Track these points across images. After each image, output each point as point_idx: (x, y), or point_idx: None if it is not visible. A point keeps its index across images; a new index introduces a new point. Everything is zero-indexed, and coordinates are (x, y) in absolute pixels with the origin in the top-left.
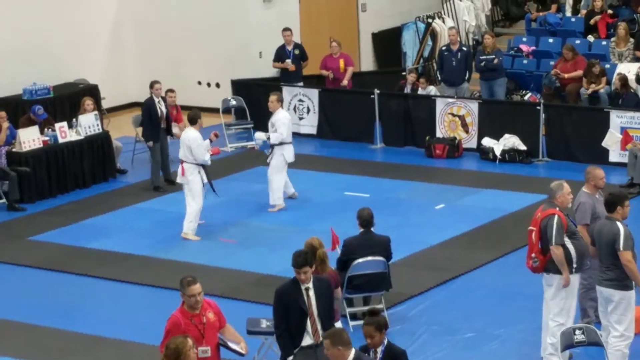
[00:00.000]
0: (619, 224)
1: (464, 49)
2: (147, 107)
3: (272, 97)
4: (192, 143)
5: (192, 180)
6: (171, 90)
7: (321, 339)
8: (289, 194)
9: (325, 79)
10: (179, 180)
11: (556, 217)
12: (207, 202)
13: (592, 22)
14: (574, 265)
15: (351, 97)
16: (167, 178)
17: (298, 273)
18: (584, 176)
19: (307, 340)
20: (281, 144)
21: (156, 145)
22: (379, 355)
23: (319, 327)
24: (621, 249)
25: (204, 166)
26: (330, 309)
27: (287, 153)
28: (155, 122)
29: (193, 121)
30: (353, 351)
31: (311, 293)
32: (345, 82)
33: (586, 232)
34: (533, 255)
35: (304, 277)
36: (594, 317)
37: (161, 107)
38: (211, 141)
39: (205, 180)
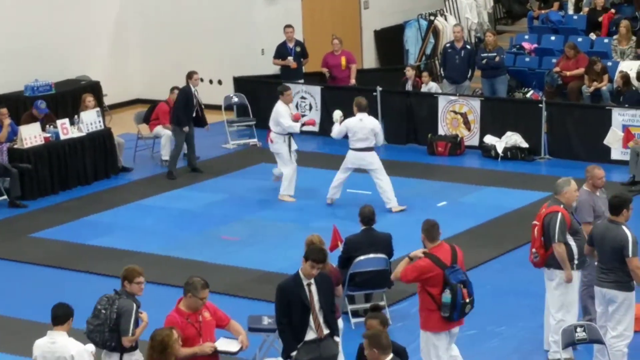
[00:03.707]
0: (625, 229)
1: (468, 47)
2: (185, 93)
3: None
4: (277, 115)
5: (279, 148)
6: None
7: (324, 333)
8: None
9: (328, 75)
10: (271, 148)
11: (560, 214)
12: (209, 199)
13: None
14: (575, 262)
15: (353, 94)
16: (194, 167)
17: (312, 267)
18: (585, 174)
19: (310, 335)
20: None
21: (185, 131)
22: None
23: (321, 321)
24: (630, 255)
25: (291, 134)
26: (332, 304)
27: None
28: (190, 109)
29: (279, 94)
30: (391, 356)
31: (313, 288)
32: (352, 81)
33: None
34: (534, 250)
35: (315, 273)
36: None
37: (197, 96)
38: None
39: (295, 147)
